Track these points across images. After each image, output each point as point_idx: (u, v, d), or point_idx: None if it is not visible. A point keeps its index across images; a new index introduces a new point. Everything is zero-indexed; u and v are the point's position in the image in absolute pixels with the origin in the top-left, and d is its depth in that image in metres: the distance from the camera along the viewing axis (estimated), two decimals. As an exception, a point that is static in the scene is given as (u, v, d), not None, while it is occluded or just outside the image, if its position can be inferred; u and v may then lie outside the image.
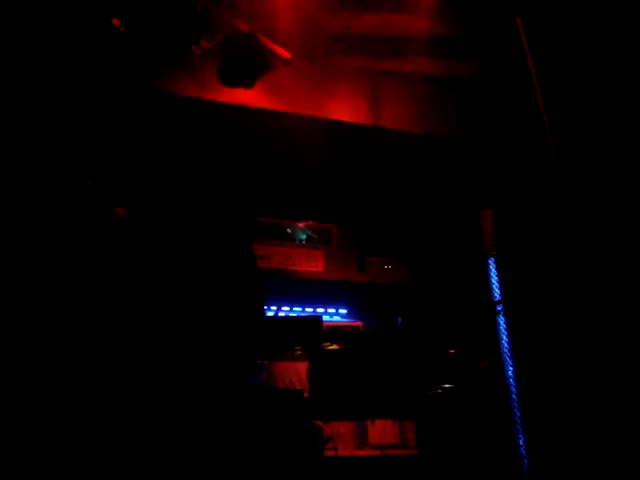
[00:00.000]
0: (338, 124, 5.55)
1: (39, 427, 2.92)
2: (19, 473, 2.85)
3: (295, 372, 5.42)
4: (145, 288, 3.44)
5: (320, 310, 6.64)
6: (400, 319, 5.87)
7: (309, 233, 6.50)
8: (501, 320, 4.68)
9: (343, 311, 6.75)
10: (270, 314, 6.33)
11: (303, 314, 6.43)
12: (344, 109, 5.57)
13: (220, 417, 2.66)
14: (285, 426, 4.61)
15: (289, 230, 6.45)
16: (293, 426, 4.78)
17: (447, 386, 5.16)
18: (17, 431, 2.90)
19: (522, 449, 4.50)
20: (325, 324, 6.07)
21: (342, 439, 5.55)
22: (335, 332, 5.84)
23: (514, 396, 4.56)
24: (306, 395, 4.71)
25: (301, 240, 6.47)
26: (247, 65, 4.60)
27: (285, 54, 4.77)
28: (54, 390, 3.02)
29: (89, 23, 4.67)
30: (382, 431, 5.63)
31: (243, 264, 2.85)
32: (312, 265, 6.43)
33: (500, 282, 4.77)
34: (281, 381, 5.40)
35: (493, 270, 4.83)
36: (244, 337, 2.72)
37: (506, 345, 4.62)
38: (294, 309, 6.50)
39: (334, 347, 5.50)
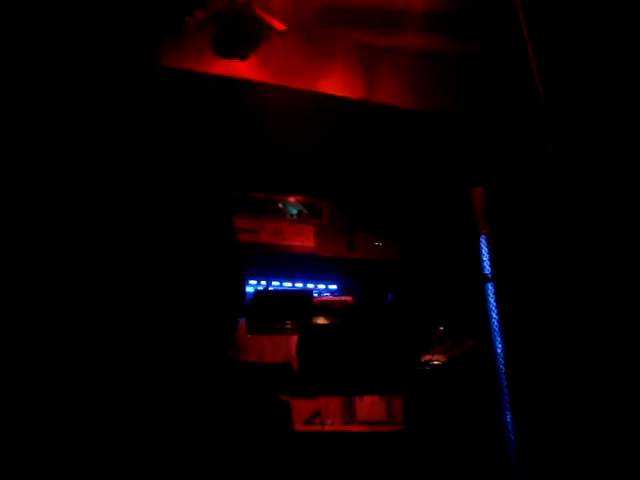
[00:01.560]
0: (332, 98, 5.51)
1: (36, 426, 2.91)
2: (19, 473, 2.85)
3: (285, 346, 5.44)
4: (122, 265, 3.41)
5: (310, 285, 6.64)
6: (391, 295, 5.89)
7: (300, 208, 6.48)
8: (491, 298, 4.69)
9: (333, 287, 6.76)
10: (260, 288, 6.33)
11: (293, 289, 6.43)
12: (338, 83, 5.54)
13: (204, 392, 2.64)
14: (272, 400, 4.62)
15: (280, 205, 6.43)
16: (280, 400, 4.79)
17: (435, 363, 5.18)
18: (16, 430, 2.90)
19: (509, 426, 4.52)
20: (316, 298, 6.09)
21: (330, 415, 5.57)
22: (325, 307, 5.86)
23: (502, 374, 4.58)
24: (295, 369, 4.72)
25: (292, 215, 6.45)
26: (242, 36, 4.56)
27: (280, 26, 4.72)
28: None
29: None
30: (370, 407, 5.66)
31: (222, 237, 2.82)
32: (303, 240, 6.42)
33: (491, 260, 4.78)
34: (271, 355, 5.42)
35: (484, 248, 4.84)
36: (224, 311, 2.70)
37: (496, 323, 4.63)
38: (284, 284, 6.50)
39: (324, 321, 5.52)
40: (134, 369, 3.45)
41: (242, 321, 5.43)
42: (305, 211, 6.53)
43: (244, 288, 3.25)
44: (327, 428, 5.43)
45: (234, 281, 3.04)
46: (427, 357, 5.26)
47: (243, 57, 4.66)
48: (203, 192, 3.19)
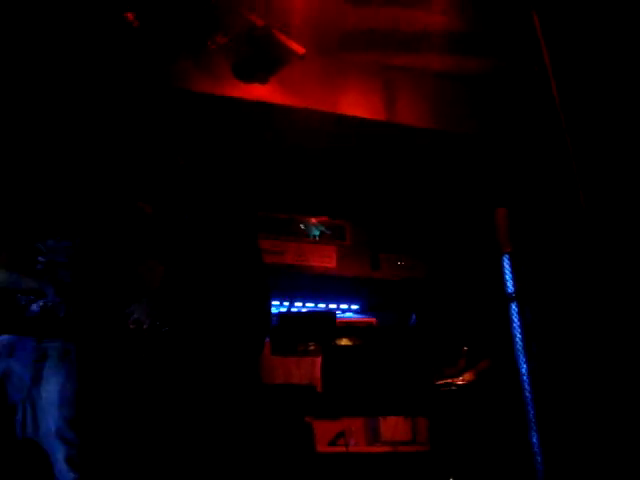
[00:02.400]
0: (352, 119, 5.53)
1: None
2: (20, 473, 2.87)
3: (308, 367, 5.43)
4: (150, 284, 3.45)
5: (333, 306, 6.63)
6: (414, 315, 5.87)
7: (322, 229, 6.49)
8: (515, 318, 4.66)
9: (356, 307, 6.75)
10: (283, 309, 6.34)
11: (316, 310, 6.43)
12: (358, 105, 5.56)
13: (229, 413, 2.65)
14: (296, 422, 4.61)
15: (302, 226, 6.44)
16: (304, 422, 4.78)
17: (460, 382, 5.15)
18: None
19: (535, 447, 4.48)
20: (338, 320, 6.08)
21: (354, 435, 5.55)
22: (348, 328, 5.85)
23: (527, 393, 4.54)
24: (319, 391, 4.71)
25: (314, 236, 6.46)
26: (262, 60, 4.60)
27: (300, 49, 4.76)
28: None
29: (103, 18, 4.68)
30: (394, 427, 5.63)
31: (248, 259, 2.83)
32: (325, 261, 6.42)
33: (514, 279, 4.75)
34: (294, 376, 5.41)
35: (507, 267, 4.82)
36: (249, 332, 2.71)
37: (520, 343, 4.61)
38: (307, 305, 6.50)
39: (347, 343, 5.51)
40: (164, 390, 3.48)
41: (266, 342, 5.43)
42: (328, 232, 6.54)
43: (270, 309, 3.25)
44: (351, 449, 5.41)
45: (260, 302, 3.06)
46: (451, 377, 5.23)
47: (263, 80, 4.70)
48: (230, 213, 3.22)
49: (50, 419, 2.79)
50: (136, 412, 3.27)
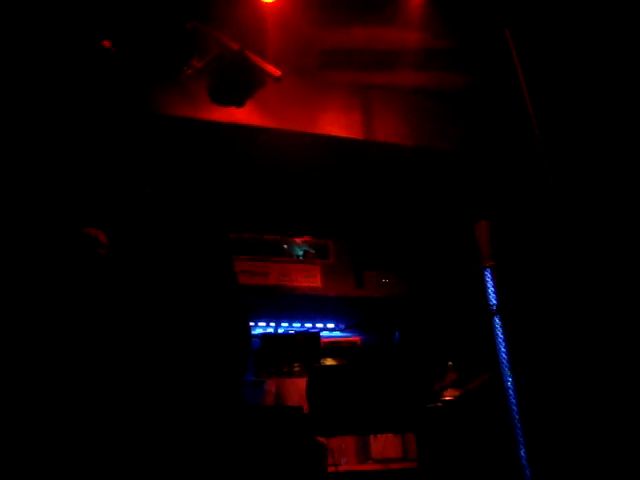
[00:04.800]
0: (331, 139, 5.55)
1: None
2: (16, 473, 2.86)
3: (294, 389, 5.41)
4: (124, 309, 3.44)
5: (319, 325, 6.62)
6: (398, 333, 5.87)
7: (306, 248, 6.50)
8: (499, 331, 4.67)
9: (342, 326, 6.74)
10: (270, 330, 6.32)
11: (302, 330, 6.41)
12: (337, 124, 5.58)
13: (214, 437, 2.64)
14: (285, 444, 4.58)
15: (285, 246, 6.44)
16: (293, 444, 4.75)
17: (447, 398, 5.14)
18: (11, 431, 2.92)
19: (524, 460, 4.48)
20: (324, 340, 6.06)
21: (344, 454, 5.53)
22: (333, 348, 5.84)
23: (514, 407, 4.55)
24: (306, 411, 4.68)
25: (298, 256, 6.46)
26: (237, 83, 4.61)
27: (276, 72, 4.78)
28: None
29: (80, 45, 4.70)
30: (384, 445, 5.62)
31: (224, 282, 2.83)
32: (310, 281, 6.41)
33: (497, 293, 4.77)
34: (280, 398, 5.39)
35: (490, 281, 4.83)
36: (229, 355, 2.70)
37: (504, 356, 4.62)
38: (293, 325, 6.49)
39: (333, 362, 5.49)
40: (149, 418, 3.46)
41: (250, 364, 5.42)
42: (311, 251, 6.53)
43: (249, 331, 3.24)
44: (341, 468, 5.39)
45: (238, 325, 3.04)
46: (438, 393, 5.22)
47: (239, 104, 4.71)
48: (206, 236, 3.22)
49: None
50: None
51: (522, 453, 4.52)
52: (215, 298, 2.80)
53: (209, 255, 2.77)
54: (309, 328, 6.46)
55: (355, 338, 6.44)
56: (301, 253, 6.48)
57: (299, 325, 6.49)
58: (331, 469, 5.17)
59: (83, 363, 3.10)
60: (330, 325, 6.62)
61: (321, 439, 5.21)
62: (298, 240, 6.56)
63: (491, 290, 4.82)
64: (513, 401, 4.56)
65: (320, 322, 6.63)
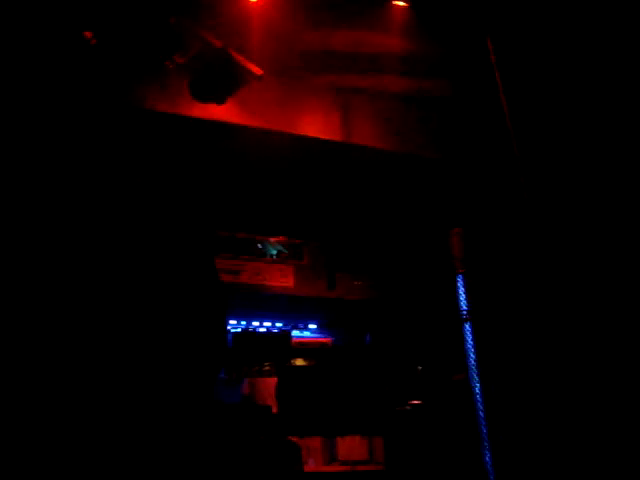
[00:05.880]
0: (309, 140, 5.56)
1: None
2: (11, 472, 2.85)
3: (264, 388, 5.42)
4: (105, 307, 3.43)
5: (290, 325, 6.63)
6: (369, 335, 5.90)
7: (280, 248, 6.50)
8: (468, 337, 4.72)
9: (313, 326, 6.75)
10: (239, 330, 6.31)
11: (273, 329, 6.42)
12: (315, 125, 5.60)
13: (184, 434, 2.63)
14: (253, 443, 4.59)
15: (259, 245, 6.44)
16: (262, 443, 4.76)
17: (415, 402, 5.19)
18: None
19: (488, 465, 4.53)
20: (294, 340, 6.08)
21: (311, 454, 5.55)
22: (304, 348, 5.86)
23: (481, 412, 4.60)
24: (275, 411, 4.70)
25: (272, 255, 6.46)
26: (218, 81, 4.62)
27: (258, 70, 4.79)
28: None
29: (60, 34, 4.67)
30: (351, 447, 5.65)
31: (204, 278, 2.82)
32: (283, 280, 6.42)
33: (468, 299, 4.82)
34: (250, 397, 5.40)
35: (461, 287, 4.88)
36: (205, 352, 2.70)
37: (473, 362, 4.66)
38: (264, 324, 6.49)
39: (302, 363, 5.51)
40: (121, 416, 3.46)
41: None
42: (285, 252, 6.54)
43: (225, 328, 3.25)
44: (308, 468, 5.41)
45: (217, 322, 3.04)
46: (406, 397, 5.27)
47: (220, 101, 4.71)
48: (185, 232, 3.21)
49: None
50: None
51: (487, 458, 4.57)
52: (194, 293, 2.78)
53: (186, 250, 2.76)
54: (280, 327, 6.47)
55: (326, 339, 6.45)
56: (275, 253, 6.48)
57: (270, 324, 6.50)
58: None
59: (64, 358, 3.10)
60: (301, 325, 6.63)
61: (294, 439, 5.24)
62: (272, 240, 6.57)
63: (462, 297, 4.87)
64: (480, 407, 4.61)
65: (291, 322, 6.63)
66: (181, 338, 2.71)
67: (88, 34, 4.64)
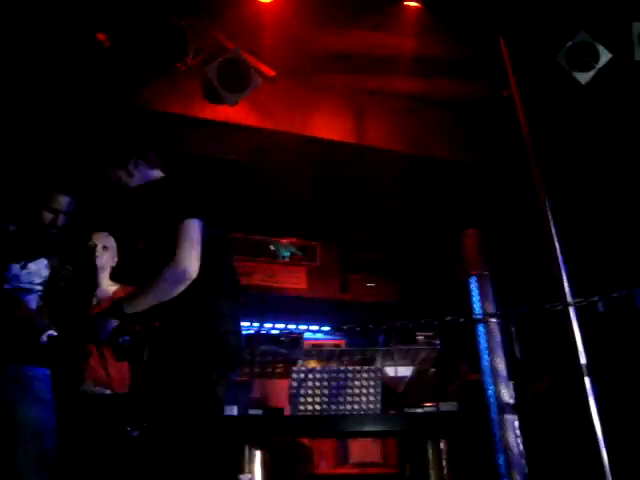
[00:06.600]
0: (322, 142, 5.56)
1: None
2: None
3: (277, 390, 5.41)
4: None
5: (303, 327, 6.63)
6: (382, 337, 5.86)
7: (293, 250, 6.50)
8: (482, 339, 4.68)
9: (326, 328, 6.75)
10: (252, 331, 6.31)
11: (286, 331, 6.42)
12: (329, 127, 5.59)
13: (190, 435, 2.60)
14: (262, 444, 4.59)
15: (272, 247, 6.44)
16: (271, 444, 4.76)
17: (428, 405, 5.14)
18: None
19: (502, 469, 4.49)
20: (307, 342, 6.06)
21: (323, 457, 5.53)
22: (317, 350, 5.83)
23: (493, 415, 4.56)
24: (287, 413, 4.68)
25: (285, 257, 6.46)
26: (231, 82, 4.61)
27: (269, 72, 4.79)
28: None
29: (75, 38, 4.69)
30: (364, 449, 5.62)
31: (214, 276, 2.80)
32: (295, 282, 6.42)
33: (481, 301, 4.78)
34: (263, 398, 5.39)
35: (474, 289, 4.84)
36: (210, 351, 2.68)
37: (487, 365, 4.62)
38: (277, 325, 6.49)
39: (316, 365, 5.48)
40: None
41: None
42: (298, 253, 6.54)
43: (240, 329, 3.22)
44: (320, 470, 5.39)
45: (226, 320, 3.02)
46: (421, 399, 5.23)
47: (232, 102, 4.70)
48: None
49: None
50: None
51: (500, 462, 4.54)
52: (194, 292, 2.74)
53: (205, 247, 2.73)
54: (293, 329, 6.46)
55: (339, 341, 6.44)
56: (288, 254, 6.48)
57: (283, 326, 6.50)
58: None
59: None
60: (314, 327, 6.62)
61: (305, 441, 5.23)
62: (285, 241, 6.57)
63: (476, 298, 4.83)
64: (493, 409, 4.57)
65: (304, 324, 6.63)
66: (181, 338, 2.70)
67: (101, 36, 4.66)
